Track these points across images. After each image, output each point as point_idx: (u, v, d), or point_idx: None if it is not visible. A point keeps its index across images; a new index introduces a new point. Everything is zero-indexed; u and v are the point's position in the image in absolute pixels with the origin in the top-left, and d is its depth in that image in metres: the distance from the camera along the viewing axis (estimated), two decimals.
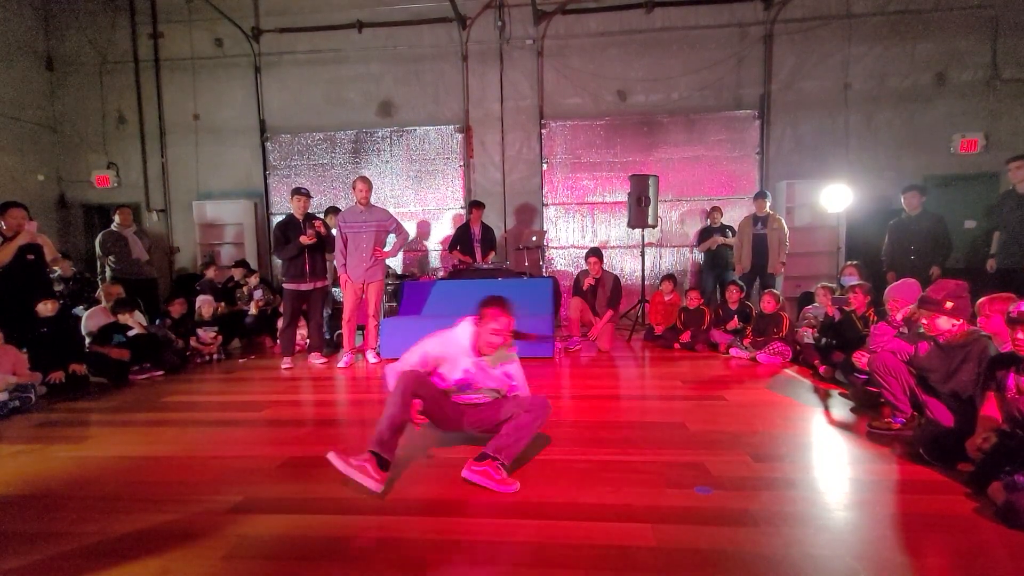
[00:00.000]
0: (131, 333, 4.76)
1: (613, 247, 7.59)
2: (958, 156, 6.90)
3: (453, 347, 2.51)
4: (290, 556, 1.80)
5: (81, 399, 4.08)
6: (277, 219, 6.78)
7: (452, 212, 7.83)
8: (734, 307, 5.43)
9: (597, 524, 1.96)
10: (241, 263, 6.86)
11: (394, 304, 6.19)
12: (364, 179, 4.94)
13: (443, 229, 7.84)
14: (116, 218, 6.25)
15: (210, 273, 6.62)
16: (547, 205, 7.68)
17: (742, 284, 5.72)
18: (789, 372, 4.41)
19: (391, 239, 5.16)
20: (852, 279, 4.60)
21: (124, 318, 4.88)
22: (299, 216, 5.00)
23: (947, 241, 5.25)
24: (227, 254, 7.80)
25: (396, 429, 2.28)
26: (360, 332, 5.30)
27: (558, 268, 7.69)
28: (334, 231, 5.16)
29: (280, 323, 5.46)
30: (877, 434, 2.85)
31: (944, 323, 2.63)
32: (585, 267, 5.68)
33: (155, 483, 2.45)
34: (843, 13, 7.00)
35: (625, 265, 7.57)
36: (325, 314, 5.64)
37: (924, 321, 2.71)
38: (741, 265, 6.27)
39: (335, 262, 5.12)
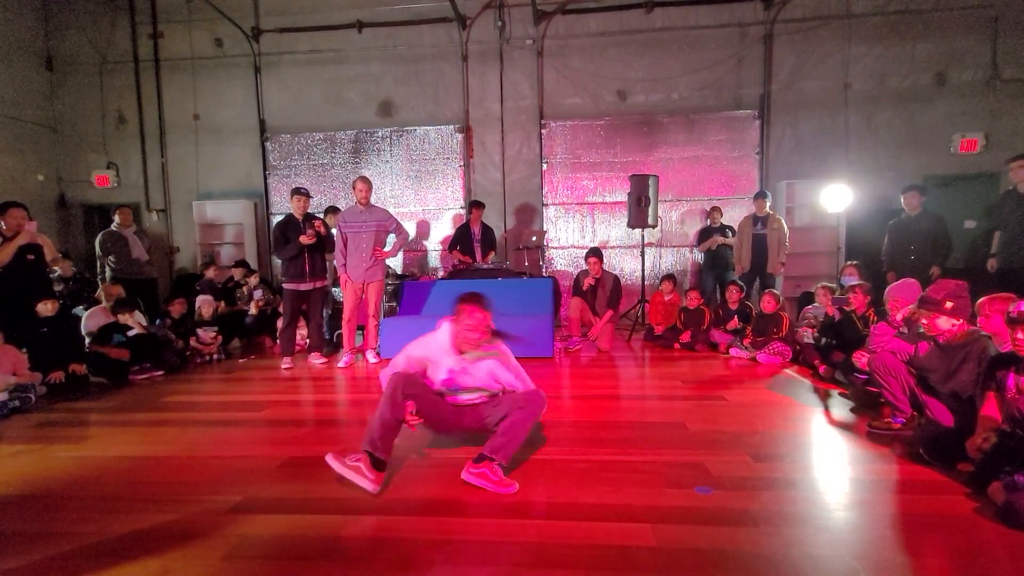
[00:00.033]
0: (131, 333, 4.76)
1: (613, 247, 7.59)
2: (958, 156, 6.90)
3: (435, 348, 2.53)
4: (290, 556, 1.80)
5: (81, 399, 4.08)
6: (277, 219, 6.78)
7: (452, 212, 7.83)
8: (734, 307, 5.43)
9: (597, 524, 1.96)
10: (241, 263, 6.86)
11: (394, 304, 6.19)
12: (364, 179, 4.94)
13: (443, 229, 7.84)
14: (116, 218, 6.25)
15: (210, 273, 6.62)
16: (547, 205, 7.68)
17: (742, 284, 5.71)
18: (789, 372, 4.41)
19: (391, 239, 5.16)
20: (852, 279, 4.60)
21: (124, 318, 4.88)
22: (299, 216, 5.00)
23: (947, 241, 5.25)
24: (227, 254, 7.80)
25: (387, 428, 2.28)
26: (360, 332, 5.30)
27: (558, 268, 7.69)
28: (334, 231, 5.16)
29: (280, 323, 5.47)
30: (877, 434, 2.85)
31: (944, 323, 2.63)
32: (585, 267, 5.68)
33: (155, 483, 2.45)
34: (843, 13, 7.00)
35: (625, 265, 7.57)
36: (325, 314, 5.64)
37: (924, 321, 2.71)
38: (741, 265, 6.27)
39: (335, 262, 5.12)
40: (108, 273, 6.19)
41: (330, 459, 2.26)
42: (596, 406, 3.55)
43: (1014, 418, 2.16)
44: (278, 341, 5.35)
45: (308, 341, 5.35)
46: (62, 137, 8.16)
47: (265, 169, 7.98)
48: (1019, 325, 2.16)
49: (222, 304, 6.19)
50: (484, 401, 2.58)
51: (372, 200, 5.06)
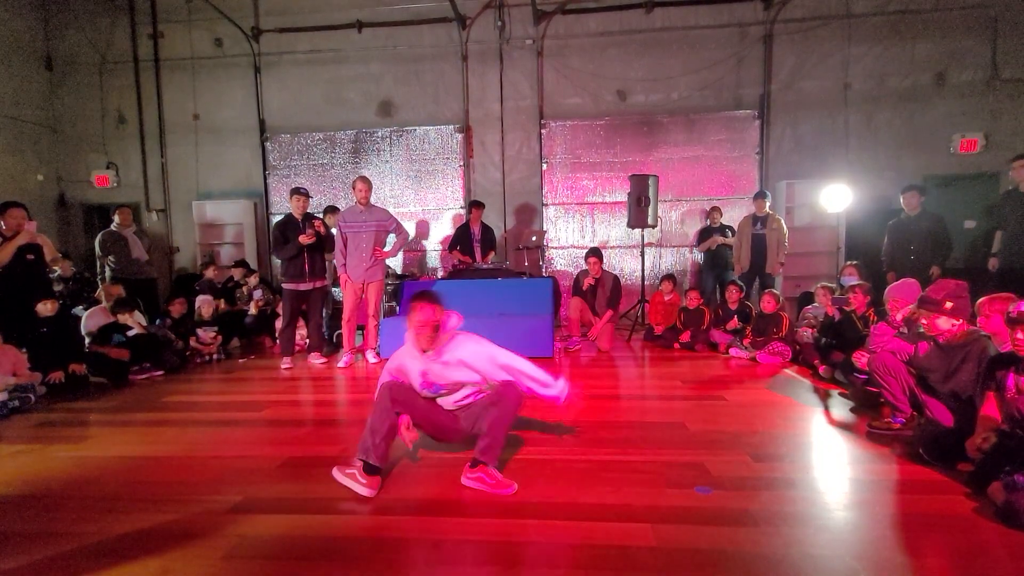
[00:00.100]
0: (131, 333, 4.76)
1: (613, 247, 7.59)
2: (958, 156, 6.89)
3: (403, 355, 2.54)
4: (290, 556, 1.80)
5: (81, 399, 4.08)
6: (277, 219, 6.77)
7: (452, 212, 7.83)
8: (734, 307, 5.43)
9: (597, 524, 1.96)
10: (241, 263, 6.86)
11: (394, 304, 6.19)
12: (364, 179, 4.94)
13: (443, 229, 7.84)
14: (116, 218, 6.25)
15: (210, 273, 6.62)
16: (547, 205, 7.68)
17: (742, 284, 5.71)
18: (789, 372, 4.41)
19: (391, 239, 5.16)
20: (852, 279, 4.59)
21: (124, 318, 4.88)
22: (298, 216, 5.00)
23: (947, 241, 5.25)
24: (227, 254, 7.80)
25: (379, 437, 2.28)
26: (360, 332, 5.30)
27: (558, 268, 7.68)
28: (333, 231, 5.16)
29: (279, 323, 5.46)
30: (877, 434, 2.85)
31: (944, 323, 2.63)
32: (585, 267, 5.68)
33: (155, 483, 2.45)
34: (843, 13, 7.00)
35: (625, 265, 7.57)
36: (325, 314, 5.64)
37: (924, 321, 2.71)
38: (740, 265, 6.27)
39: (335, 262, 5.12)
40: (108, 273, 6.19)
41: (334, 472, 2.33)
42: (596, 406, 3.54)
43: (1014, 418, 2.16)
44: (278, 341, 5.35)
45: (308, 341, 5.35)
46: (62, 137, 8.15)
47: (265, 169, 7.98)
48: (1019, 325, 2.16)
49: (222, 304, 6.19)
50: (475, 400, 2.52)
51: (372, 200, 5.05)
